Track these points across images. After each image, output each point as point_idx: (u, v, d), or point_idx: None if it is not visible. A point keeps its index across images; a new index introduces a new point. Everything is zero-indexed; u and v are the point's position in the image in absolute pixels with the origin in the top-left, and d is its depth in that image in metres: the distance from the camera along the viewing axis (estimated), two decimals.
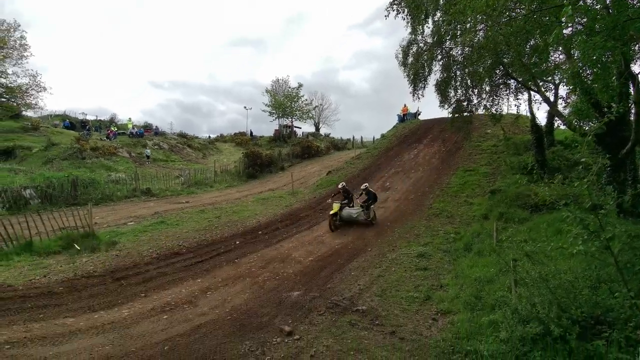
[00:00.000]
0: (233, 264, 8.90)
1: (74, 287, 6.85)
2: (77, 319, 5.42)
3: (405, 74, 14.62)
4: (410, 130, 25.57)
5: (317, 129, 47.87)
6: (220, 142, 39.05)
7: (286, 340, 4.98)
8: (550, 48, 8.50)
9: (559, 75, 10.34)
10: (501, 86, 12.93)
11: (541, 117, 20.12)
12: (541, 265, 4.53)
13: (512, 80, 12.56)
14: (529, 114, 14.56)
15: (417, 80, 14.18)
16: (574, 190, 3.79)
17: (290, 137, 39.19)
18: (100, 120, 40.99)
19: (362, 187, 12.95)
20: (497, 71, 11.97)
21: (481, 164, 16.47)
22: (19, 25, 28.48)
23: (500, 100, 13.31)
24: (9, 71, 28.40)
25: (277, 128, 41.24)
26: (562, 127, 13.44)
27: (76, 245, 9.14)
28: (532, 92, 12.67)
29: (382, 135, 27.85)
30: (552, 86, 12.10)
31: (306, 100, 43.76)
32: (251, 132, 42.48)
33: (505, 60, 10.89)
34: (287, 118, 42.31)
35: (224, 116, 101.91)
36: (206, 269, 8.40)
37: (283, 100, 41.24)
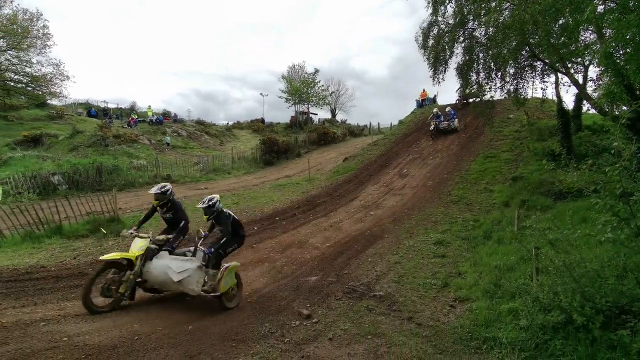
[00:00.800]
0: (251, 249, 9.08)
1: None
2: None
3: (425, 57, 14.24)
4: (429, 116, 25.02)
5: (334, 115, 47.56)
6: (237, 129, 39.39)
7: (305, 323, 5.09)
8: (581, 27, 8.08)
9: (589, 56, 9.86)
10: (526, 68, 12.40)
11: (568, 101, 19.33)
12: (565, 253, 4.41)
13: (539, 62, 12.02)
14: (555, 98, 13.99)
15: (437, 63, 13.79)
16: (604, 177, 3.65)
17: (307, 123, 39.09)
18: (121, 108, 42.01)
19: (203, 205, 5.66)
20: (523, 52, 11.46)
21: (503, 150, 16.01)
22: (42, 15, 29.14)
23: (525, 84, 12.79)
24: (34, 60, 29.27)
25: (294, 114, 41.19)
26: (591, 111, 12.83)
27: (102, 229, 9.50)
28: (559, 75, 12.12)
29: (400, 121, 27.40)
30: (581, 68, 11.54)
31: (322, 86, 43.44)
32: (263, 120, 42.50)
33: (532, 40, 10.42)
34: (304, 104, 42.14)
35: (241, 103, 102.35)
36: None
37: (299, 86, 41.02)
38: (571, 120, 13.36)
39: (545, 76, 12.50)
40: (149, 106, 36.95)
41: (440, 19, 13.63)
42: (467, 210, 11.19)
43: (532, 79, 12.68)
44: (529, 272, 5.45)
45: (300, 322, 5.14)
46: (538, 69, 12.38)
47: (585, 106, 13.99)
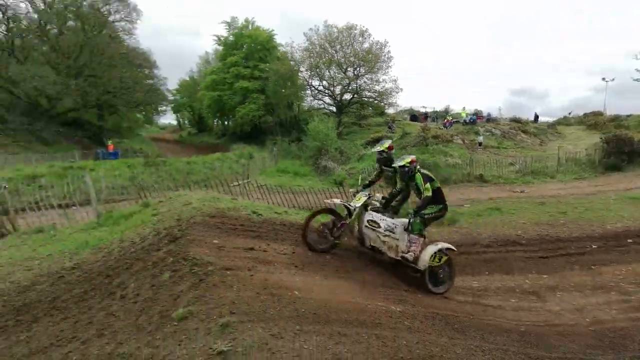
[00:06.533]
0: (588, 270, 7.51)
1: None
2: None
3: None
4: None
5: None
6: (562, 125, 33.16)
7: None
8: None
9: None
10: None
11: None
12: None
13: None
14: None
15: None
16: None
17: None
18: (436, 111, 46.34)
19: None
20: None
21: None
22: (387, 42, 37.29)
23: None
24: (380, 79, 38.11)
25: None
26: None
27: None
28: None
29: None
30: None
31: None
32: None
33: None
34: None
35: (564, 94, 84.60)
36: (552, 266, 7.62)
37: None
38: None
39: None
40: (463, 107, 38.37)
41: None
42: None
43: None
44: None
45: None
46: None
47: None
